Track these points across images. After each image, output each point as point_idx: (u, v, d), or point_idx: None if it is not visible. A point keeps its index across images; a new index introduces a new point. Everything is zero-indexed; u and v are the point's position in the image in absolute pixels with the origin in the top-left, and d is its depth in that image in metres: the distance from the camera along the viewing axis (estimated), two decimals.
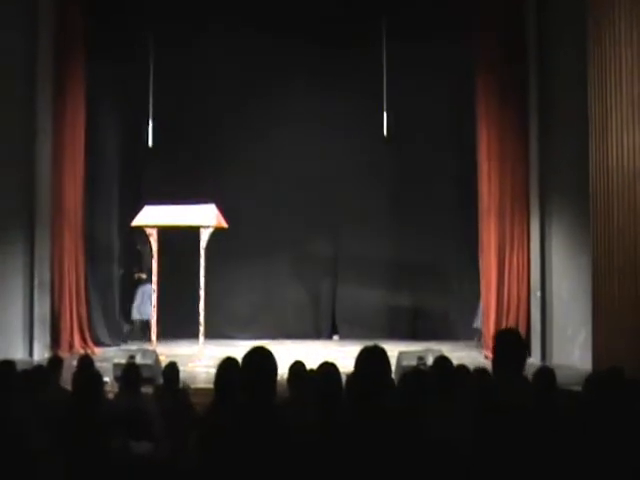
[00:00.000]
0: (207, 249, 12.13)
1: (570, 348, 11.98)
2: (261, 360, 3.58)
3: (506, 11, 13.04)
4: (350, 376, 3.75)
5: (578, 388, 4.08)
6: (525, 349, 4.08)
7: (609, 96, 9.86)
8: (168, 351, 12.27)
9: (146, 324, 14.21)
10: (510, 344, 3.95)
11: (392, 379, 3.52)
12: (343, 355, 10.84)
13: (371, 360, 3.30)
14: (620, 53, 9.65)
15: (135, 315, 14.82)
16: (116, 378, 8.74)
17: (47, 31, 12.99)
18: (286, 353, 11.28)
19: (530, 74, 12.84)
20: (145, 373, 7.90)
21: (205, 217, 12.23)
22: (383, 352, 3.35)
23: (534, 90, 12.76)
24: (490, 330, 12.48)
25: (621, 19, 9.63)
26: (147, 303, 14.04)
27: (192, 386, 8.76)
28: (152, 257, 12.87)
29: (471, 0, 13.20)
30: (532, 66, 12.80)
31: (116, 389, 7.35)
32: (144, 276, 14.57)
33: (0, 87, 12.47)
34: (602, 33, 10.00)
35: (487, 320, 13.05)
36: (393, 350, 8.55)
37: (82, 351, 12.50)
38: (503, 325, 12.74)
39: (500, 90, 13.06)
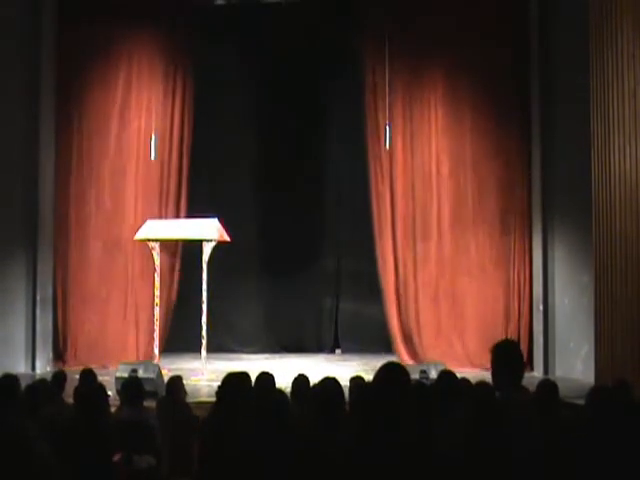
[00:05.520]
0: (209, 263, 12.11)
1: (573, 361, 11.98)
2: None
3: (510, 29, 13.10)
4: (369, 388, 3.70)
5: (581, 401, 4.08)
6: (522, 360, 4.07)
7: (611, 110, 9.87)
8: (170, 365, 12.26)
9: None
10: (508, 355, 3.96)
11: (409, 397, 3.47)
12: (345, 369, 10.83)
13: (392, 377, 3.25)
14: (622, 68, 9.68)
15: None
16: (118, 392, 8.72)
17: (51, 51, 13.17)
18: (288, 367, 11.30)
19: (532, 88, 12.89)
20: (147, 387, 7.88)
21: (207, 231, 12.20)
22: (405, 371, 3.30)
23: (536, 104, 12.79)
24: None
25: (623, 36, 9.67)
26: None
27: (195, 400, 8.75)
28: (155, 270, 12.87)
29: (472, 26, 13.21)
30: (534, 79, 12.85)
31: (118, 403, 7.33)
32: None
33: (2, 89, 12.48)
34: (604, 49, 10.03)
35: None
36: None
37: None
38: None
39: (502, 103, 13.11)
